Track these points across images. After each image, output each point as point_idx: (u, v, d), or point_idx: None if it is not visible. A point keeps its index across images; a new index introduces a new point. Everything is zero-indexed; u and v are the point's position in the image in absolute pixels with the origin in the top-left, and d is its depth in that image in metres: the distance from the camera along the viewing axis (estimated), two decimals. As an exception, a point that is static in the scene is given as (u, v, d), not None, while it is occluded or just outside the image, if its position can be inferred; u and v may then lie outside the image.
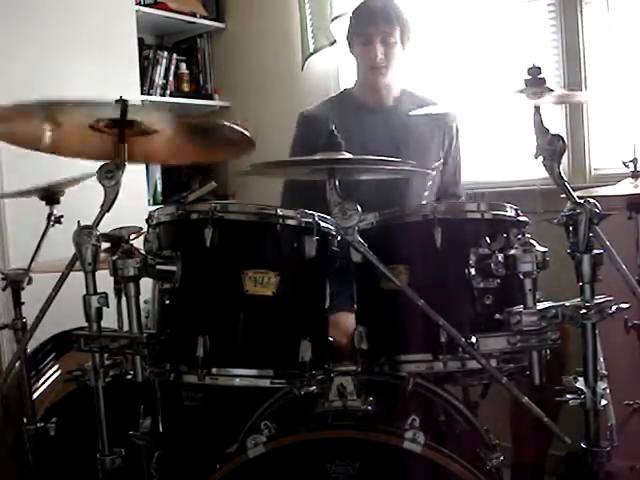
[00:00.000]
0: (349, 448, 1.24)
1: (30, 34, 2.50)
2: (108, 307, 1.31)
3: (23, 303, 1.77)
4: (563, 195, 1.24)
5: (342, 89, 2.39)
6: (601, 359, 1.46)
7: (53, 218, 1.77)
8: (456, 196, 2.33)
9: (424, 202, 2.14)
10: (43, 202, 1.81)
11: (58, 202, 1.78)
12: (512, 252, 1.23)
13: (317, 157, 1.32)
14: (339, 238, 1.41)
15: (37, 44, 2.52)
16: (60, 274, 1.33)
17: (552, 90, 1.30)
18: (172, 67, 3.38)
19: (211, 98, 3.52)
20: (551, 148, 1.22)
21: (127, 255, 1.27)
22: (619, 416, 1.82)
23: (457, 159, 2.32)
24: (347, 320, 1.66)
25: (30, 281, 1.77)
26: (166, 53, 3.36)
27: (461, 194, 2.35)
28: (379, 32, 2.09)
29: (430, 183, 2.21)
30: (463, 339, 1.23)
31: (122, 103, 1.28)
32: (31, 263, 1.76)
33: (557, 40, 2.68)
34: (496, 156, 2.82)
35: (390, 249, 1.37)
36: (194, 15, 3.40)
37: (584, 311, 1.20)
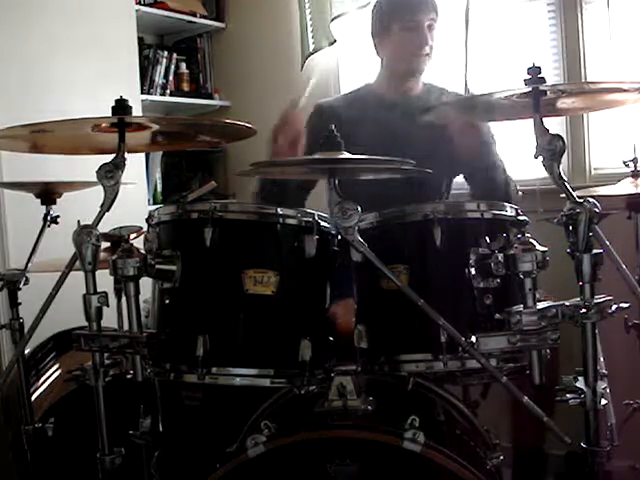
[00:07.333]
0: (349, 448, 1.23)
1: (29, 33, 2.50)
2: (108, 306, 1.31)
3: (20, 303, 1.77)
4: (563, 195, 1.24)
5: (363, 84, 2.29)
6: (601, 359, 1.46)
7: (49, 218, 1.77)
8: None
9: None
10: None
11: (54, 202, 1.78)
12: (512, 252, 1.23)
13: (317, 157, 1.32)
14: (339, 237, 1.41)
15: (36, 43, 2.51)
16: (59, 274, 1.33)
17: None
18: (172, 67, 3.38)
19: (211, 98, 3.52)
20: (551, 148, 1.22)
21: (127, 255, 1.27)
22: (619, 416, 1.82)
23: None
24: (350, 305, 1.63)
25: (27, 281, 1.76)
26: (166, 53, 3.36)
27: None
28: (428, 19, 2.06)
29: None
30: (463, 339, 1.23)
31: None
32: (28, 263, 1.76)
33: (557, 40, 2.68)
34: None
35: (390, 249, 1.37)
36: (194, 15, 3.39)
37: (584, 311, 1.20)
